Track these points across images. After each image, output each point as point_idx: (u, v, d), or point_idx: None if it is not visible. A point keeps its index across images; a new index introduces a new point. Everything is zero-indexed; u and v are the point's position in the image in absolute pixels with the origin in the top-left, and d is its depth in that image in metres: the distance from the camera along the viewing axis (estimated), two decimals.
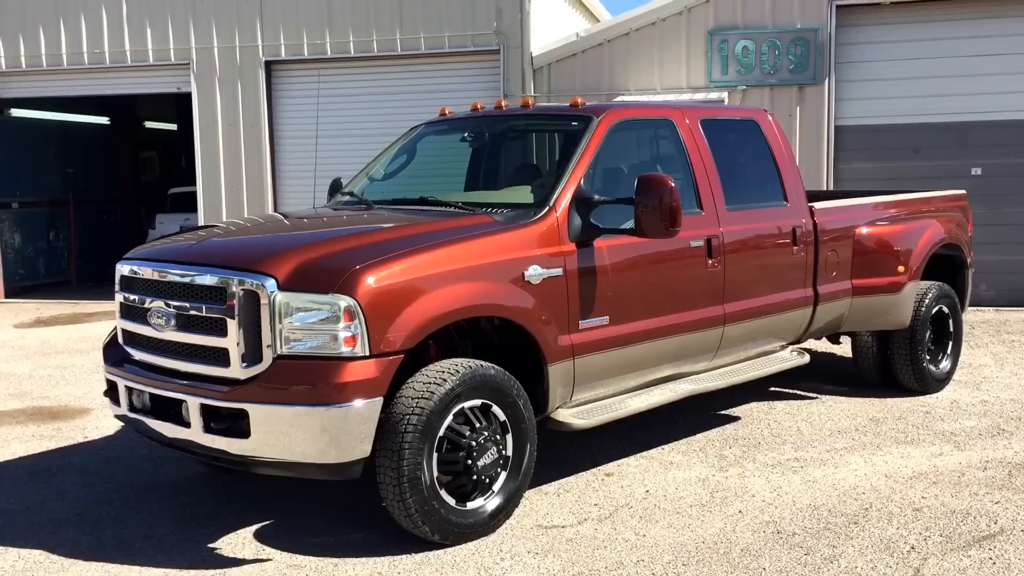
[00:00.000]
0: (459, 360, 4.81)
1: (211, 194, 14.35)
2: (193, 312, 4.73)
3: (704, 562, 4.54)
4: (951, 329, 7.95)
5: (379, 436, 4.55)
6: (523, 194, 5.72)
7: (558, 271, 5.19)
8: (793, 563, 4.51)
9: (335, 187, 6.75)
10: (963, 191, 8.72)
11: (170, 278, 4.86)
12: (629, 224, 5.32)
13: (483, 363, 4.83)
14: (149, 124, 21.49)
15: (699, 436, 6.60)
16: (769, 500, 5.34)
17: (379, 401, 4.47)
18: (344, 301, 4.42)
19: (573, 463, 6.03)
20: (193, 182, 14.76)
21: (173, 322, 4.80)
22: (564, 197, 5.34)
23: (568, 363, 5.26)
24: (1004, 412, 7.10)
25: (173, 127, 21.31)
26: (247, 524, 5.12)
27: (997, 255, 11.69)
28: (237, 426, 4.51)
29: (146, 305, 4.97)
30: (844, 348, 8.69)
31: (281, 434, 4.43)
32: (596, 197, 5.38)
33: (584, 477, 5.80)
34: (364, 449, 4.49)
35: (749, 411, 7.24)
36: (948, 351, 7.93)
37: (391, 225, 5.30)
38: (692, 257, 5.96)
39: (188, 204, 15.79)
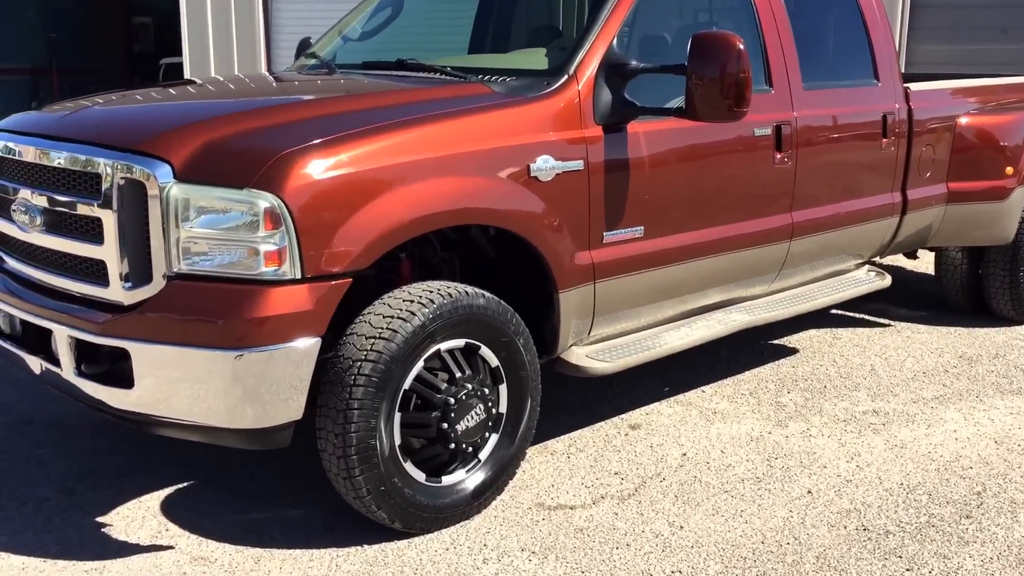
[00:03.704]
0: (435, 284, 3.47)
1: (199, 61, 12.86)
2: (61, 207, 3.39)
3: None
4: None
5: (320, 390, 3.28)
6: (534, 58, 4.29)
7: (577, 164, 3.79)
8: None
9: (302, 47, 5.32)
10: None
11: (31, 158, 3.50)
12: (678, 102, 3.90)
13: (468, 289, 3.50)
14: None
15: (748, 375, 5.28)
16: (846, 475, 4.04)
17: (315, 343, 3.16)
18: (264, 200, 3.07)
19: (589, 408, 4.75)
20: None
21: (39, 220, 3.47)
22: (590, 62, 3.90)
23: (587, 288, 3.92)
24: None
25: None
26: (156, 487, 3.89)
27: None
28: (117, 371, 3.22)
29: (10, 196, 3.64)
30: (918, 262, 7.29)
31: (175, 386, 3.14)
32: (633, 64, 3.95)
33: (603, 429, 4.52)
34: (293, 410, 3.20)
35: (808, 341, 5.89)
36: None
37: (345, 94, 3.90)
38: (756, 150, 4.53)
39: (183, 75, 14.29)
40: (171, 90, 4.54)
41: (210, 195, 3.12)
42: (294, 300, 3.10)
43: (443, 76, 4.10)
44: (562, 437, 4.42)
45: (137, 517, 3.66)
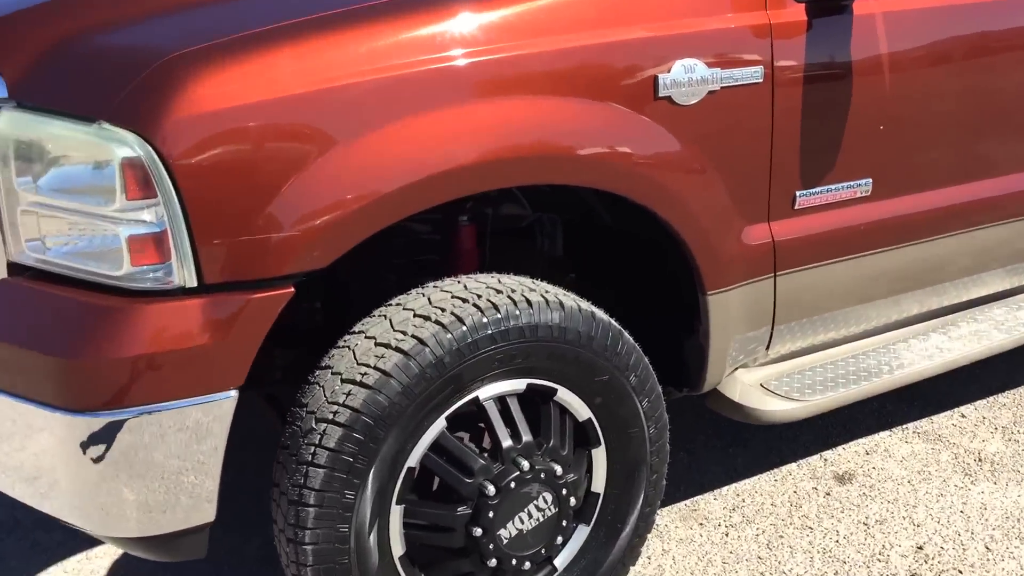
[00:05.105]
0: (476, 283, 2.00)
1: None
2: None
3: None
4: None
5: (276, 458, 1.95)
6: None
7: (754, 72, 2.14)
8: None
9: None
10: None
11: None
12: None
13: (532, 294, 1.99)
14: None
15: (1011, 394, 3.46)
16: None
17: (227, 400, 1.79)
18: (123, 146, 1.68)
19: (771, 442, 3.16)
20: None
21: None
22: None
23: (761, 284, 2.32)
24: None
25: None
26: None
27: None
28: None
29: None
30: None
31: (16, 462, 1.88)
32: None
33: (791, 479, 2.93)
34: (199, 510, 1.86)
35: None
36: None
37: None
38: None
39: None
40: None
41: (50, 130, 1.77)
42: (184, 326, 1.73)
43: None
44: (723, 490, 2.88)
45: None
